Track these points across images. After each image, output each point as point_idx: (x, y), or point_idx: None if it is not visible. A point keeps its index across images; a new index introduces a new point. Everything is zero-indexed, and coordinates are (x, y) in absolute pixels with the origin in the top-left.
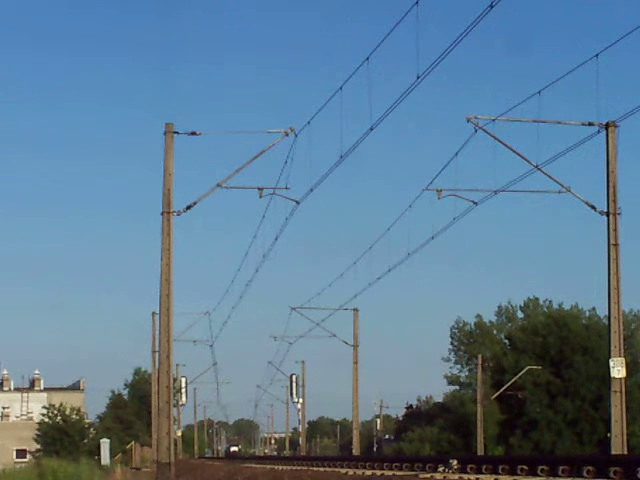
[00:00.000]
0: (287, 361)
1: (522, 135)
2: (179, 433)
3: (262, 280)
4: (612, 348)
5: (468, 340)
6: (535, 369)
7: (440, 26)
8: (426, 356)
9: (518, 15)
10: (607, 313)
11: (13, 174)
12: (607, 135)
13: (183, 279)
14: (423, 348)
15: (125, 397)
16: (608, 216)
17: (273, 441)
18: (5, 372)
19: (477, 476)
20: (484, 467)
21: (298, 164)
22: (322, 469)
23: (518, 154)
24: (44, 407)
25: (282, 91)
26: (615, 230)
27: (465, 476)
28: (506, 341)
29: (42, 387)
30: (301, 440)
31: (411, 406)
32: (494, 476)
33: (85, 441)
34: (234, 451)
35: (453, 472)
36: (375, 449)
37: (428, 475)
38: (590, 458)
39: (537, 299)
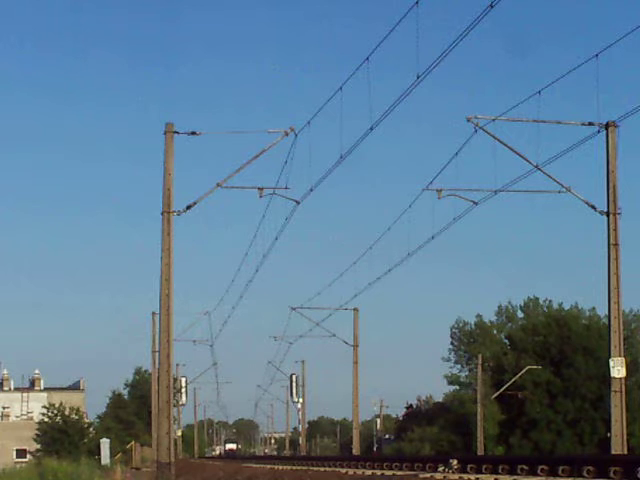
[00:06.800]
0: (287, 361)
1: (522, 135)
2: (179, 433)
3: (262, 280)
4: (612, 348)
5: (468, 340)
6: (535, 369)
7: (440, 26)
8: (426, 356)
9: (518, 15)
10: (607, 313)
11: (13, 174)
12: (607, 135)
13: (183, 279)
14: (423, 348)
15: (125, 397)
16: (608, 216)
17: (273, 441)
18: (5, 372)
19: (477, 476)
20: (484, 467)
21: (298, 164)
22: (322, 469)
23: (518, 154)
24: (44, 407)
25: (282, 91)
26: (615, 230)
27: (465, 476)
28: (506, 341)
29: (42, 387)
30: (301, 440)
31: (411, 406)
32: (494, 476)
33: (85, 441)
34: (231, 449)
35: (453, 472)
36: (375, 449)
37: (428, 475)
38: (590, 458)
39: (537, 299)
